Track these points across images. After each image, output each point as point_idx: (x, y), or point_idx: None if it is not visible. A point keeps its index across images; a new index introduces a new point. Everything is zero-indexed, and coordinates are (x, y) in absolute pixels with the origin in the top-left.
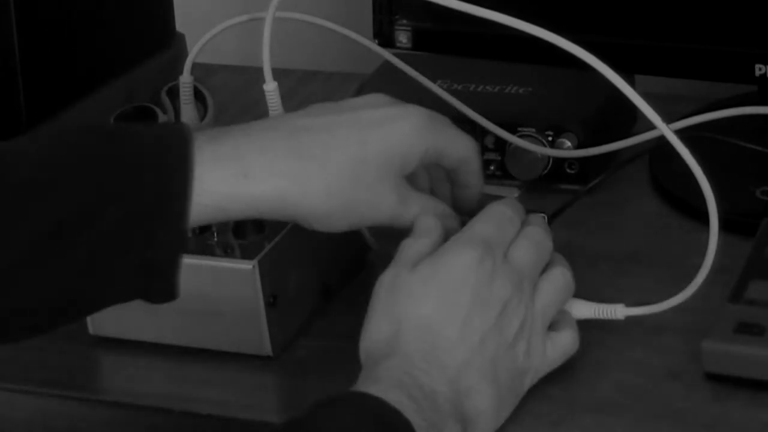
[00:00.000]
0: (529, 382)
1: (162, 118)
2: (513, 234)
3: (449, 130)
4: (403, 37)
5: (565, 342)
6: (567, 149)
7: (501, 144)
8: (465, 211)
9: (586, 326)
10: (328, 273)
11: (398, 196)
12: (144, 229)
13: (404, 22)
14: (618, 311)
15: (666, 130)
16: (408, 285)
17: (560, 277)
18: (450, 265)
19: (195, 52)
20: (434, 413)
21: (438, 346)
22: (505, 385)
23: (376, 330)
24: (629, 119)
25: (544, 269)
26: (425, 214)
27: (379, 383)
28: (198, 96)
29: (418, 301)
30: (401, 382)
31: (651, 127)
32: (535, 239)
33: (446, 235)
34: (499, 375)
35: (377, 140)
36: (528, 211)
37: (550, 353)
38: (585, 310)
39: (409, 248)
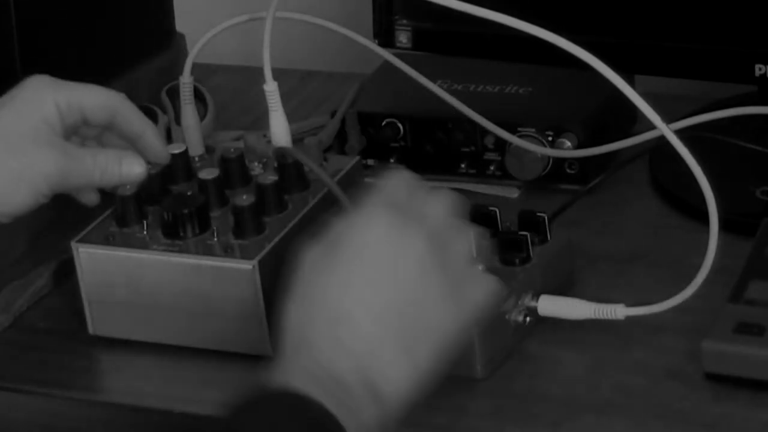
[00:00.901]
0: (453, 329)
1: (162, 118)
2: (422, 195)
3: (79, 85)
4: (403, 37)
5: (482, 283)
6: (567, 149)
7: (501, 144)
8: (159, 161)
9: (586, 326)
10: None
11: (61, 152)
12: None
13: (404, 22)
14: (618, 311)
15: (666, 130)
16: (321, 266)
17: (457, 228)
18: (355, 242)
19: (195, 52)
20: (350, 399)
21: (345, 329)
22: (422, 347)
23: (289, 315)
24: (629, 119)
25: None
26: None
27: (298, 377)
28: (198, 96)
29: (327, 285)
30: (316, 377)
31: (651, 127)
32: (443, 198)
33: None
34: (414, 343)
35: (7, 116)
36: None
37: (470, 295)
38: (585, 310)
39: (334, 224)
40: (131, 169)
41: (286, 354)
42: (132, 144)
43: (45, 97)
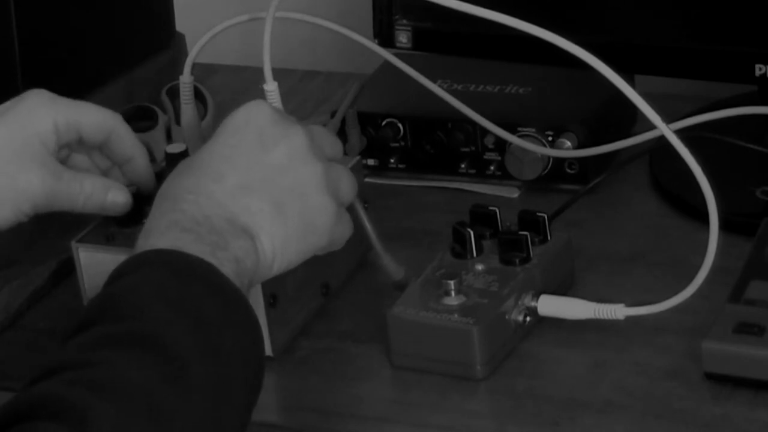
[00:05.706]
0: (322, 222)
1: (162, 118)
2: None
3: (78, 103)
4: (403, 37)
5: (348, 223)
6: (567, 149)
7: (501, 144)
8: (144, 187)
9: (586, 326)
10: (328, 273)
11: (51, 173)
12: None
13: (404, 22)
14: (618, 311)
15: (666, 130)
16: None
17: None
18: (239, 120)
19: (195, 52)
20: (213, 235)
21: (204, 176)
22: (281, 196)
23: (166, 183)
24: (629, 119)
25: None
26: None
27: (153, 233)
28: (198, 96)
29: (203, 152)
30: (173, 222)
31: (651, 127)
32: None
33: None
34: (272, 191)
35: (2, 130)
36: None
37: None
38: (585, 310)
39: None
40: (116, 200)
41: (154, 218)
42: (120, 166)
43: (43, 115)
